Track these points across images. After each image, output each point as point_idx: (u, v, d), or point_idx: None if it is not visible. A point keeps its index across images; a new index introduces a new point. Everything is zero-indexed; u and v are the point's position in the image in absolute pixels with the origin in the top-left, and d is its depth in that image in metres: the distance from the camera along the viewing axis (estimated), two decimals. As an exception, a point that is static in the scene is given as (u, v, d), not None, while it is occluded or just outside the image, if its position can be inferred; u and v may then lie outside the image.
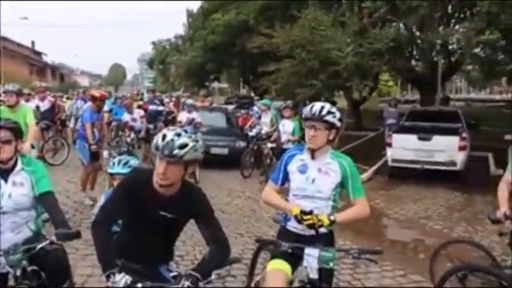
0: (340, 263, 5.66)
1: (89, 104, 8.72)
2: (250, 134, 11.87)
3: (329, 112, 3.12)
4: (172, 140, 2.53)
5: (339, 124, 3.16)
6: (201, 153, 2.62)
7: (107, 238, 2.66)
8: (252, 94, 32.53)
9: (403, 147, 10.81)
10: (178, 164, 2.56)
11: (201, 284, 2.49)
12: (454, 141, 10.50)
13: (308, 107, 3.19)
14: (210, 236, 2.71)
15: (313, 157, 3.22)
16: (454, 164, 10.46)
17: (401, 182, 10.88)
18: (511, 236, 4.23)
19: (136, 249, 2.77)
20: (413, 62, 22.10)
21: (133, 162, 4.15)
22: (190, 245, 5.97)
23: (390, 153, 11.09)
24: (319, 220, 2.99)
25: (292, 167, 3.27)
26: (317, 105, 3.16)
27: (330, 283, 3.16)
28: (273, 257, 3.24)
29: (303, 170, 3.23)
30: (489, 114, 27.62)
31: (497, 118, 23.32)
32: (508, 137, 10.18)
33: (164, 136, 2.56)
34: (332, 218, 3.05)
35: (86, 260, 5.23)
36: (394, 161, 11.04)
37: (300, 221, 3.03)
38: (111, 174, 4.13)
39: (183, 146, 2.53)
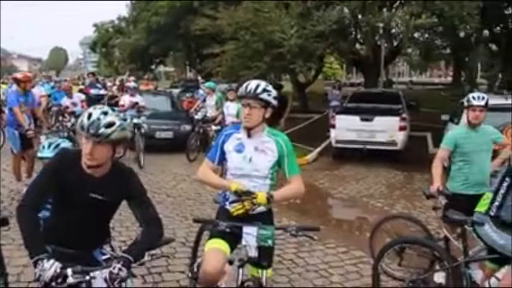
0: (285, 242, 5.78)
1: (14, 87, 8.30)
2: (196, 117, 11.76)
3: (264, 90, 3.09)
4: (98, 118, 2.43)
5: (274, 102, 3.14)
6: (130, 132, 2.54)
7: (34, 222, 2.53)
8: (199, 78, 32.17)
9: (346, 128, 11.03)
10: (105, 143, 2.46)
11: (134, 266, 2.43)
12: (394, 121, 10.82)
13: (244, 85, 3.15)
14: (143, 217, 2.64)
15: (249, 136, 3.19)
16: (394, 143, 10.80)
17: (344, 162, 11.13)
18: (443, 210, 4.42)
19: (67, 233, 2.66)
20: (357, 46, 22.50)
21: (65, 145, 3.98)
22: (133, 229, 5.86)
23: (334, 134, 11.30)
24: (254, 204, 2.97)
25: (229, 146, 3.23)
26: (252, 83, 3.12)
27: (269, 261, 3.17)
28: (211, 237, 3.20)
29: (239, 149, 3.20)
30: (429, 96, 28.70)
31: (437, 100, 24.29)
32: (444, 117, 10.56)
33: (90, 115, 2.45)
34: (269, 196, 3.04)
35: (21, 250, 5.00)
36: (337, 141, 11.26)
37: (240, 196, 3.00)
38: (41, 159, 3.94)
39: (109, 125, 2.43)
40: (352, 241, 6.08)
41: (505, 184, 3.55)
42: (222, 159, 3.28)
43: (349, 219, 7.42)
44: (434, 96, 29.20)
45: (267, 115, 3.15)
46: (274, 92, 3.14)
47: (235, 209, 2.97)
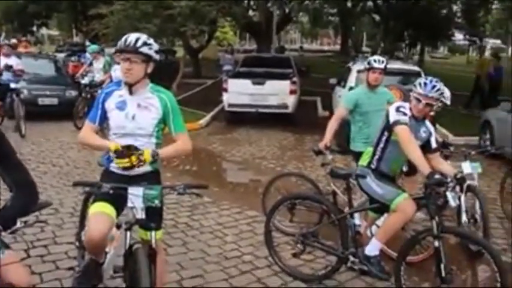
0: (179, 206, 5.80)
1: None
2: (83, 82, 11.05)
3: (145, 43, 2.90)
4: None
5: (156, 56, 2.97)
6: None
7: None
8: (87, 41, 30.21)
9: (239, 92, 11.10)
10: None
11: (4, 234, 2.20)
12: (285, 85, 11.08)
13: (122, 39, 2.94)
14: (13, 181, 2.37)
15: (131, 92, 3.00)
16: (285, 106, 11.09)
17: (238, 126, 11.25)
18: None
19: None
20: (250, 12, 22.56)
21: None
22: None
23: (226, 98, 11.33)
24: (141, 160, 2.83)
25: (111, 104, 3.03)
26: (132, 36, 2.92)
27: (159, 222, 3.07)
28: (95, 201, 3.01)
29: (121, 106, 3.01)
30: (319, 63, 29.80)
31: (326, 66, 25.32)
32: (332, 81, 11.03)
33: None
34: (154, 153, 2.91)
35: None
36: (230, 105, 11.31)
37: (119, 157, 2.84)
38: None
39: None
40: (246, 201, 6.17)
41: (383, 138, 3.77)
42: (104, 118, 3.08)
43: (243, 181, 7.53)
44: (324, 63, 30.39)
45: (149, 70, 2.98)
46: (155, 46, 2.97)
47: (120, 162, 2.80)
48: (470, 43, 39.61)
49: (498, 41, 63.89)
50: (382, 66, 4.87)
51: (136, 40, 2.89)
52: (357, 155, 4.79)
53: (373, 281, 4.15)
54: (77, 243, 3.96)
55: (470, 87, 14.82)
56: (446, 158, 5.02)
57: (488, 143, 9.28)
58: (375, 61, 4.90)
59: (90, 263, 3.16)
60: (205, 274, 4.25)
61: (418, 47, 31.97)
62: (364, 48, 46.78)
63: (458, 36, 35.51)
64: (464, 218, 4.56)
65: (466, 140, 9.53)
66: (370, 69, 4.88)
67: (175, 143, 3.08)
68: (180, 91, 14.21)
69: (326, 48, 68.04)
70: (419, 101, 3.62)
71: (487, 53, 15.54)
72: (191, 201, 6.02)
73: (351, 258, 3.91)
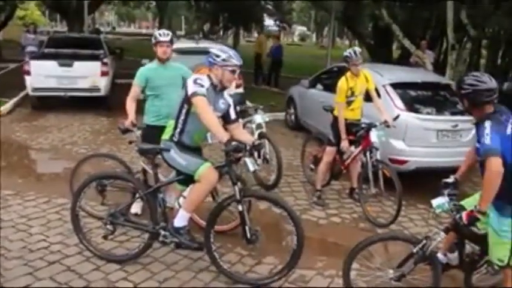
0: None
1: None
2: None
3: None
4: None
5: None
6: None
7: None
8: None
9: (44, 74, 10.22)
10: None
11: None
12: (96, 66, 10.54)
13: None
14: None
15: None
16: (97, 89, 10.57)
17: (46, 112, 10.41)
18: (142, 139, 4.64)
19: None
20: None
21: None
22: None
23: (29, 82, 10.33)
24: None
25: None
26: None
27: None
28: None
29: None
30: (137, 45, 29.11)
31: (144, 49, 24.87)
32: (143, 61, 10.82)
33: None
34: None
35: None
36: (35, 90, 10.35)
37: None
38: None
39: None
40: (54, 190, 5.78)
41: (183, 111, 3.82)
42: None
43: (51, 169, 7.00)
44: (143, 46, 29.81)
45: None
46: None
47: None
48: (280, 29, 42.70)
49: (304, 28, 70.16)
50: (167, 39, 4.82)
51: None
52: (147, 128, 4.83)
53: (188, 253, 4.25)
54: None
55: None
56: (242, 112, 6.12)
57: (293, 117, 10.16)
58: (160, 35, 4.85)
59: None
60: (5, 272, 3.90)
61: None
62: (182, 32, 47.13)
63: (270, 22, 37.94)
64: (259, 160, 4.92)
65: (274, 115, 10.22)
66: (158, 43, 4.82)
67: None
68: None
69: (144, 31, 66.78)
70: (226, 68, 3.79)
71: (262, 35, 18.16)
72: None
73: (162, 232, 3.94)
